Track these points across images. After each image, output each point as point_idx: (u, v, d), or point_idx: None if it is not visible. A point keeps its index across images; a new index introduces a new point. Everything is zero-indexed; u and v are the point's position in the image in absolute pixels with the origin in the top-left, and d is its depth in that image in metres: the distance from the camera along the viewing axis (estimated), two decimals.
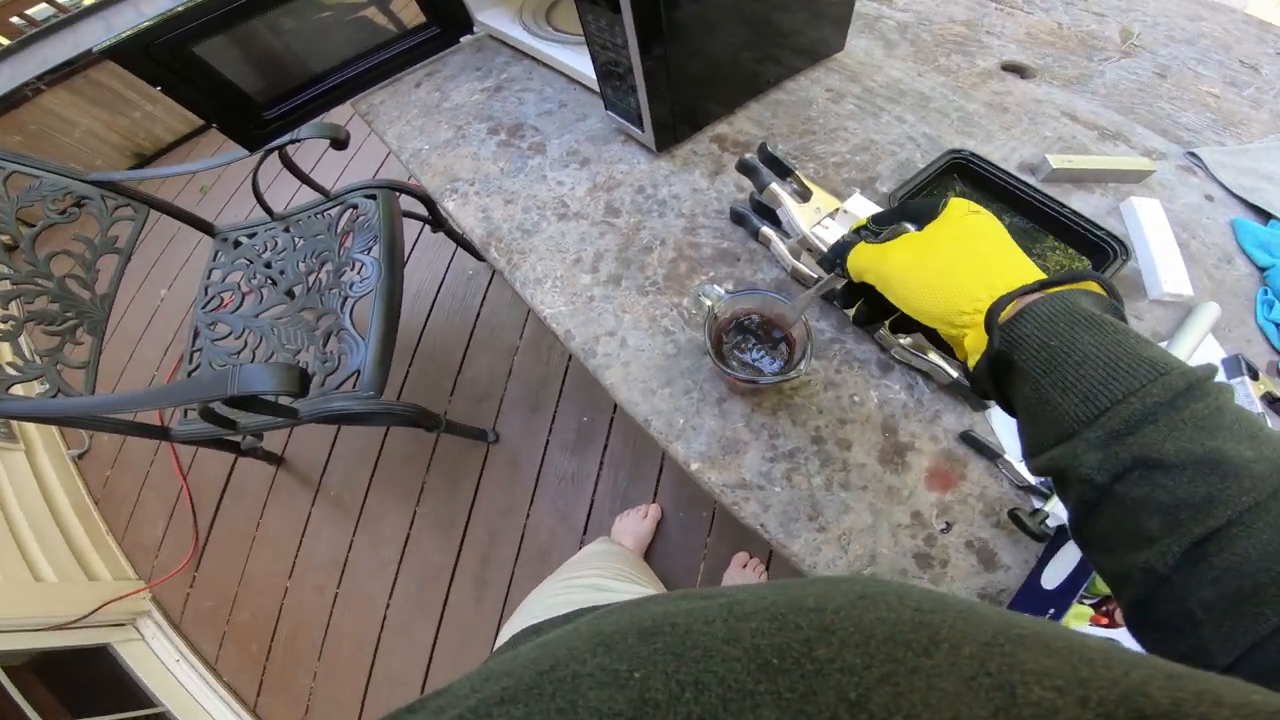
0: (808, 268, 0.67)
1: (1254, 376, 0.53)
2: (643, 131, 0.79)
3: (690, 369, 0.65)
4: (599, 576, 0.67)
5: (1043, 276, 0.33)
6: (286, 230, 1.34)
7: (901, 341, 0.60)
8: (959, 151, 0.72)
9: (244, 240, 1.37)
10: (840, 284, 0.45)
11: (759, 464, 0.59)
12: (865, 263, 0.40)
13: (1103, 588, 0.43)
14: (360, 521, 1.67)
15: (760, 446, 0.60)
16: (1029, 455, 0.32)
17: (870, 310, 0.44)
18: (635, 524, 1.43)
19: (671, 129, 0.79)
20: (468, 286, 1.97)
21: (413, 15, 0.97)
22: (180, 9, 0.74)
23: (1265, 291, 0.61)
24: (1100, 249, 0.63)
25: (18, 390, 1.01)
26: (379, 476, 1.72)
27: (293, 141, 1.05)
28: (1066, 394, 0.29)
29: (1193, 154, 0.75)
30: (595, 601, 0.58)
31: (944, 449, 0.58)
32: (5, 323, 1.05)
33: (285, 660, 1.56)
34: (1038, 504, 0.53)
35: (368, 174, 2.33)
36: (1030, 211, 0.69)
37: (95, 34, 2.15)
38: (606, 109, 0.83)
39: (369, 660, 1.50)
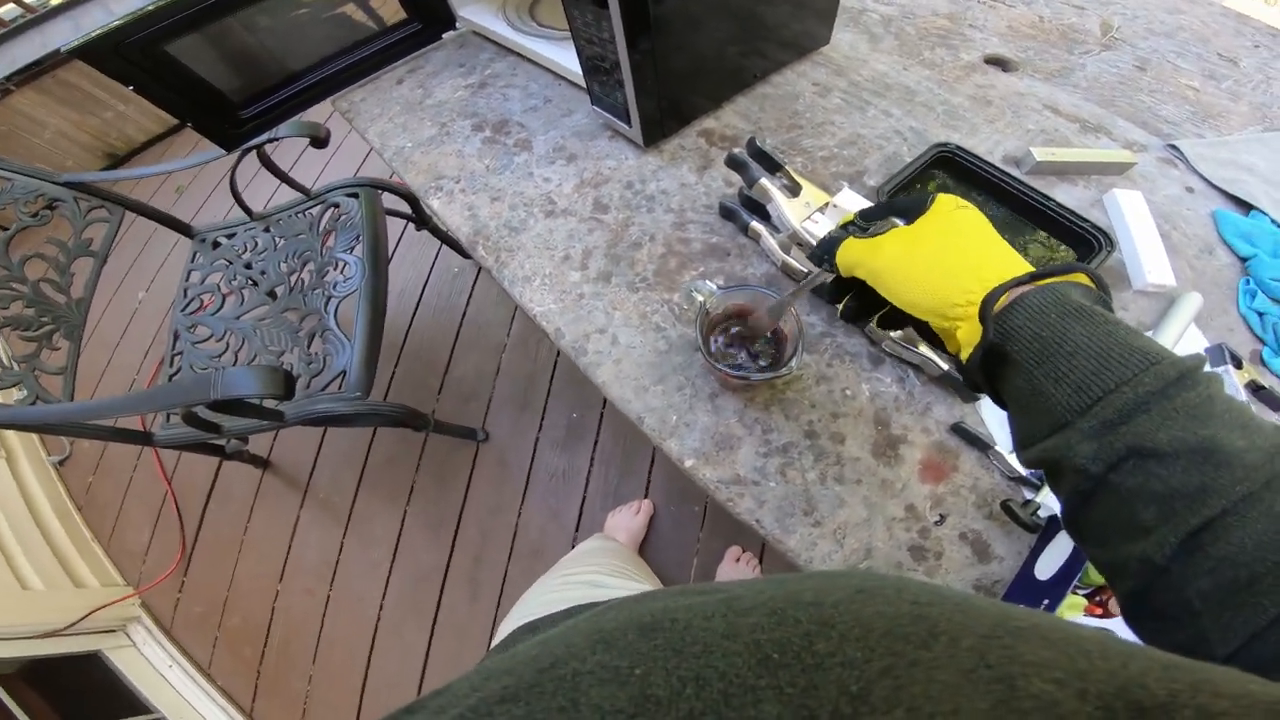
0: (798, 262, 0.67)
1: (1238, 365, 0.54)
2: (630, 127, 0.78)
3: (682, 365, 0.65)
4: (595, 573, 0.66)
5: (1031, 269, 0.34)
6: (267, 230, 1.32)
7: (892, 335, 0.60)
8: (945, 145, 0.72)
9: (223, 241, 1.34)
10: (828, 279, 0.45)
11: (753, 459, 0.59)
12: (855, 257, 0.40)
13: (1096, 578, 0.44)
14: (350, 523, 1.65)
15: (754, 442, 0.60)
16: (1021, 447, 0.33)
17: (859, 306, 0.44)
18: (628, 520, 1.44)
19: (659, 124, 0.79)
20: (453, 284, 1.95)
21: (393, 11, 0.95)
22: (151, 7, 0.72)
23: (1247, 281, 0.63)
24: (1086, 241, 0.64)
25: None
26: (367, 477, 1.70)
27: (271, 140, 1.03)
28: (1059, 384, 0.29)
29: (1173, 146, 0.76)
30: (592, 598, 0.58)
31: (936, 441, 0.58)
32: None
33: (279, 664, 1.54)
34: (1029, 495, 0.53)
35: (348, 172, 2.29)
36: (1016, 204, 0.69)
37: (63, 34, 2.09)
38: (593, 104, 0.82)
39: (364, 662, 1.49)
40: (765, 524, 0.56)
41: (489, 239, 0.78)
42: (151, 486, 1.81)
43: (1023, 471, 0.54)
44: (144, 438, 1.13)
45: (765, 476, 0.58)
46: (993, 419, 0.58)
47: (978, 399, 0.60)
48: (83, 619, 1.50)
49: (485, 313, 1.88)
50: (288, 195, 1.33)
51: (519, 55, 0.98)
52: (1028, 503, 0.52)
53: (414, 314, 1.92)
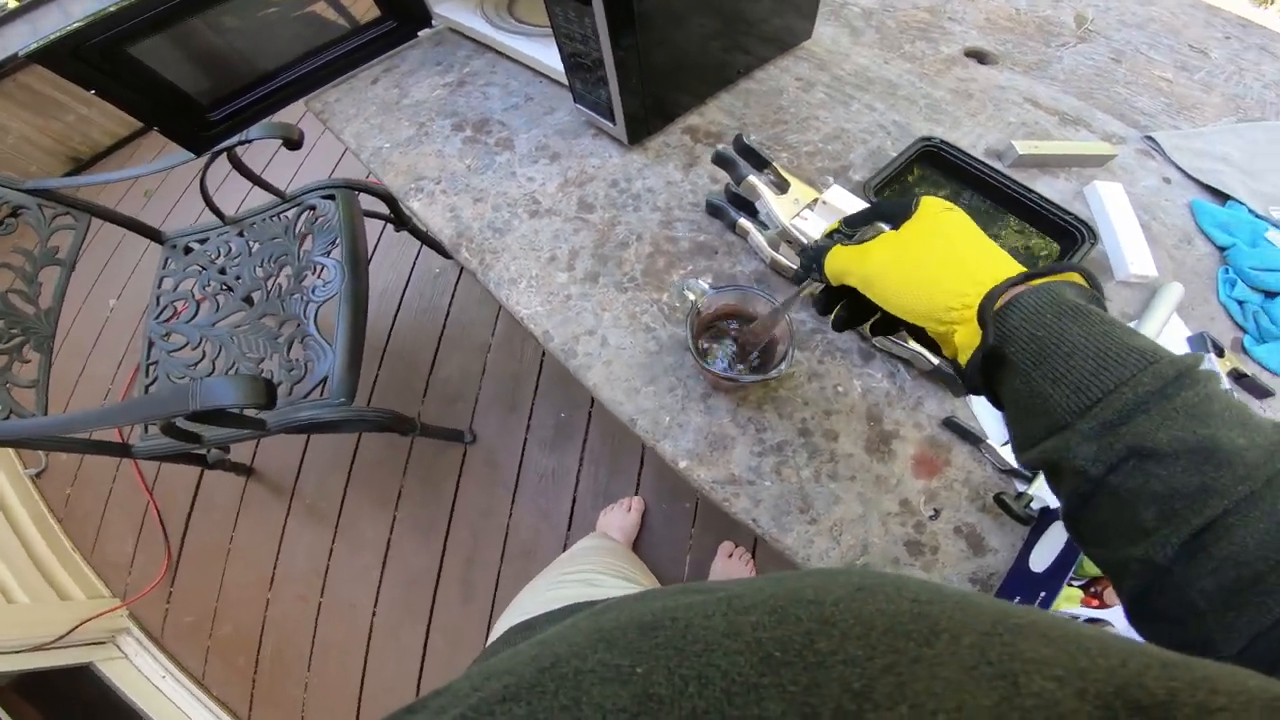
0: (786, 258, 0.67)
1: (1220, 354, 0.55)
2: (614, 124, 0.77)
3: (673, 365, 0.64)
4: (591, 572, 0.66)
5: (1023, 269, 0.34)
6: (240, 234, 1.29)
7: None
8: (929, 139, 0.73)
9: (195, 246, 1.31)
10: (818, 289, 0.45)
11: (747, 459, 0.59)
12: (845, 265, 0.40)
13: (1091, 569, 0.45)
14: (338, 529, 1.63)
15: (748, 441, 0.60)
16: (1020, 449, 0.33)
17: (850, 315, 0.43)
18: (620, 518, 1.43)
19: (643, 121, 0.78)
20: (435, 285, 1.93)
21: (365, 9, 0.93)
22: (113, 9, 0.70)
23: (1226, 270, 0.64)
24: (1069, 233, 0.65)
25: None
26: (354, 482, 1.68)
27: (242, 143, 1.00)
28: (1058, 385, 0.29)
29: (1150, 138, 0.77)
30: (588, 597, 0.58)
31: (928, 435, 0.59)
32: None
33: (274, 672, 1.53)
34: (1021, 487, 0.54)
35: (323, 173, 2.24)
36: (1001, 198, 0.70)
37: (21, 37, 2.01)
38: (575, 102, 0.81)
39: (360, 667, 1.48)
40: (762, 523, 0.56)
41: (472, 241, 0.76)
42: (132, 496, 1.77)
43: (1014, 464, 0.54)
44: (122, 449, 1.10)
45: (760, 476, 0.58)
46: (984, 413, 0.59)
47: (968, 393, 0.60)
48: (71, 631, 1.49)
49: (469, 313, 1.86)
50: (261, 198, 1.30)
51: (498, 53, 0.96)
52: (1020, 495, 0.52)
53: (396, 316, 1.89)
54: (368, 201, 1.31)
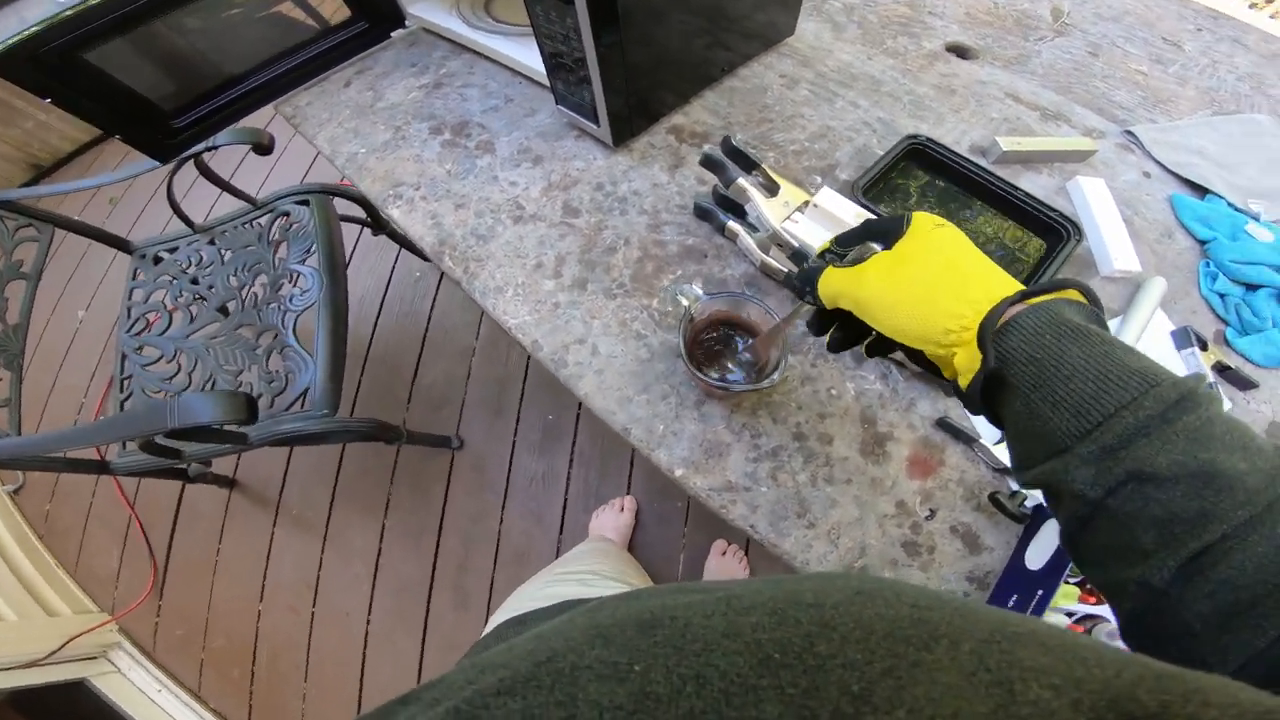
0: (777, 261, 0.66)
1: (1203, 347, 0.56)
2: (598, 126, 0.76)
3: (666, 373, 0.64)
4: (587, 572, 0.66)
5: (1020, 287, 0.33)
6: (212, 243, 1.25)
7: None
8: (915, 137, 0.73)
9: (165, 256, 1.26)
10: (810, 311, 0.44)
11: (743, 465, 0.59)
12: (839, 287, 0.39)
13: None
14: (326, 538, 1.61)
15: (743, 447, 0.59)
16: (1019, 468, 0.32)
17: (845, 336, 0.43)
18: (614, 518, 1.43)
19: (627, 122, 0.77)
20: (415, 289, 1.89)
21: (334, 10, 0.90)
22: (69, 13, 0.66)
23: (1207, 264, 0.65)
24: (1054, 230, 0.65)
25: None
26: (341, 491, 1.65)
27: (209, 149, 0.97)
28: (1057, 409, 0.29)
29: (1129, 132, 0.78)
30: (583, 595, 0.58)
31: (921, 436, 0.59)
32: None
33: (271, 683, 1.51)
34: (1015, 486, 0.54)
35: (295, 178, 2.18)
36: (987, 195, 0.70)
37: None
38: (557, 103, 0.79)
39: (357, 676, 1.47)
40: (760, 529, 0.56)
41: (456, 249, 0.75)
42: (113, 510, 1.73)
43: (1007, 464, 0.54)
44: (100, 467, 1.07)
45: (756, 481, 0.58)
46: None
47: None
48: (61, 648, 1.47)
49: (451, 316, 1.83)
50: (231, 205, 1.26)
51: (475, 53, 0.94)
52: (1014, 494, 0.53)
53: (376, 322, 1.85)
54: (344, 205, 1.28)
